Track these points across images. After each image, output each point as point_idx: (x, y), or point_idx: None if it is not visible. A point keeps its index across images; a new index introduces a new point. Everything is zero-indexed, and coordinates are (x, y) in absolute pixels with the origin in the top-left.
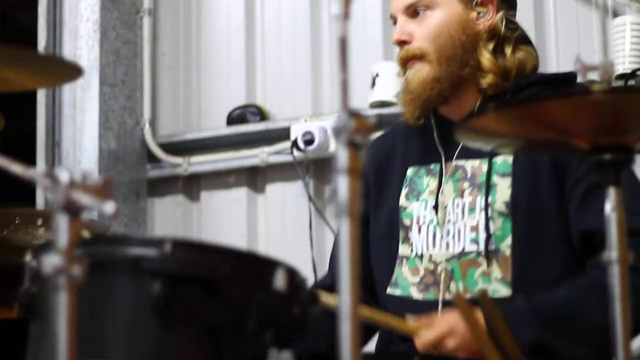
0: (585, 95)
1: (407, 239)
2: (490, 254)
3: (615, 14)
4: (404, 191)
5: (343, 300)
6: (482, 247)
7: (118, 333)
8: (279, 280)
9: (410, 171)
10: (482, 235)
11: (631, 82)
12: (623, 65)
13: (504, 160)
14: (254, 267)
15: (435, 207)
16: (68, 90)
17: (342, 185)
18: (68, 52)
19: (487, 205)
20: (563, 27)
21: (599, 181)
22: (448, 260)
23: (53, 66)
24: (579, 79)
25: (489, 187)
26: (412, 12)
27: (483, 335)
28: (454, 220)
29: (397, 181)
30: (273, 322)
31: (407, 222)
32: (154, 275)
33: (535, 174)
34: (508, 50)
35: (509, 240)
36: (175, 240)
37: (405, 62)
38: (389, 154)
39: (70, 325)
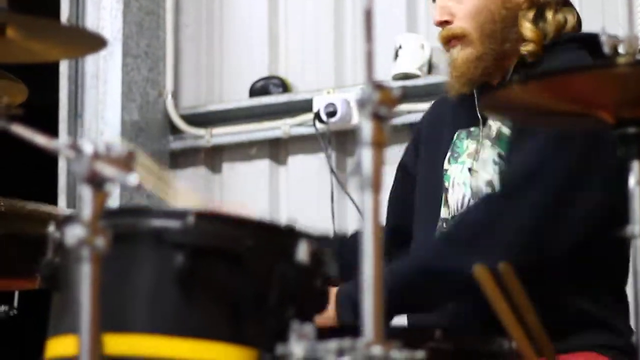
0: (609, 68)
1: (446, 202)
2: None
3: None
4: (448, 155)
5: (366, 272)
6: None
7: (140, 304)
8: (302, 253)
9: (455, 136)
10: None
11: None
12: None
13: None
14: (277, 239)
15: (470, 170)
16: (91, 62)
17: (366, 157)
18: (91, 23)
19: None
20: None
21: (623, 154)
22: None
23: (76, 37)
24: (604, 51)
25: (495, 138)
26: None
27: (503, 306)
28: (492, 179)
29: (444, 146)
30: (295, 294)
31: (446, 184)
32: (177, 247)
33: None
34: (549, 15)
35: None
36: (198, 211)
37: (448, 41)
38: (440, 120)
39: (93, 296)
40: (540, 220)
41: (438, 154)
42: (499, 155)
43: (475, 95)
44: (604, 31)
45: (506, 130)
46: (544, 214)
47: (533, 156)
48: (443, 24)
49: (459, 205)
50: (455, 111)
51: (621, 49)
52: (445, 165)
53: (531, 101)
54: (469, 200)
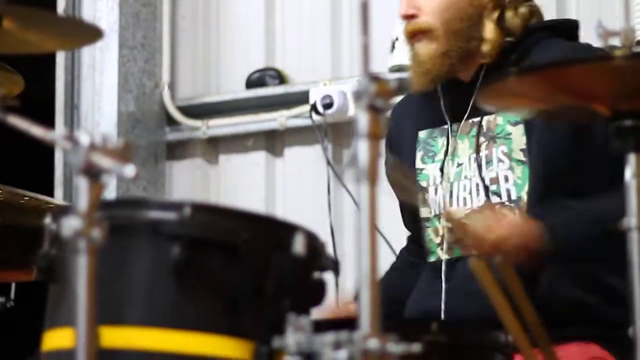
0: (606, 61)
1: (425, 201)
2: (513, 203)
3: None
4: (418, 154)
5: (362, 265)
6: (505, 197)
7: (137, 297)
8: (298, 245)
9: (423, 134)
10: (504, 186)
11: None
12: None
13: None
14: (273, 231)
15: (442, 169)
16: (87, 53)
17: (362, 149)
18: (87, 14)
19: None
20: None
21: (619, 147)
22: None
23: (73, 28)
24: (600, 45)
25: (495, 137)
26: None
27: (500, 298)
28: (470, 176)
29: (410, 145)
30: (292, 287)
31: (424, 183)
32: (173, 239)
33: None
34: (510, 13)
35: (526, 187)
36: (195, 203)
37: (413, 36)
38: (403, 119)
39: (89, 288)
40: None
41: (407, 152)
42: (505, 153)
43: (440, 93)
44: (600, 24)
45: (511, 129)
46: None
47: None
48: (409, 17)
49: (444, 203)
50: (418, 108)
51: (618, 42)
52: (419, 164)
53: (528, 93)
54: (457, 196)
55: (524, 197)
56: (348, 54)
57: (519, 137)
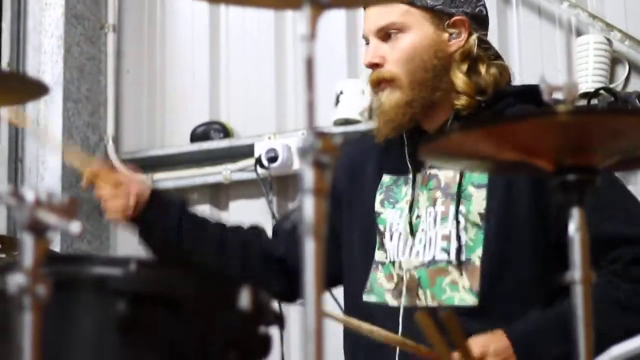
0: (550, 116)
1: (382, 245)
2: (461, 264)
3: (579, 33)
4: (378, 197)
5: (308, 319)
6: (453, 256)
7: (83, 352)
8: (244, 300)
9: (387, 179)
10: (454, 245)
11: (594, 101)
12: (586, 84)
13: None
14: (219, 286)
15: (410, 219)
16: (32, 106)
17: (308, 205)
18: (31, 67)
19: (457, 215)
20: (527, 45)
21: (563, 202)
22: (417, 267)
23: (18, 84)
24: (544, 99)
25: (459, 198)
26: (385, 34)
27: (444, 351)
28: (426, 229)
29: (371, 187)
30: (237, 341)
31: (381, 228)
32: (119, 295)
33: (511, 186)
34: (482, 69)
35: (479, 251)
36: (140, 259)
37: (378, 84)
38: (363, 159)
39: (35, 344)
40: None
41: (365, 194)
42: (461, 213)
43: (405, 141)
44: (543, 79)
45: (473, 191)
46: None
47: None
48: (374, 66)
49: (399, 251)
50: (383, 151)
51: (560, 96)
52: (378, 208)
53: (471, 149)
54: (413, 246)
55: (475, 260)
56: (293, 108)
57: (479, 200)
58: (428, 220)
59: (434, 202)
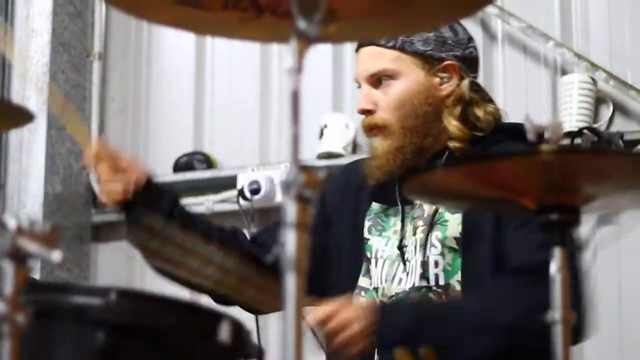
0: (533, 155)
1: (368, 272)
2: (440, 289)
3: (564, 72)
4: (367, 223)
5: (287, 352)
6: (432, 282)
7: None
8: (224, 333)
9: (376, 207)
10: (432, 271)
11: (577, 140)
12: (570, 123)
13: None
14: (199, 318)
15: (400, 248)
16: (15, 133)
17: (290, 239)
18: (16, 94)
19: (426, 242)
20: (512, 83)
21: (546, 241)
22: (398, 294)
23: (1, 110)
24: (529, 138)
25: (432, 224)
26: (376, 80)
27: None
28: (410, 258)
29: (361, 212)
30: None
31: (368, 254)
32: (98, 325)
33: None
34: (479, 111)
35: (458, 276)
36: (120, 289)
37: (369, 130)
38: (356, 183)
39: None
40: None
41: (354, 218)
42: (438, 238)
43: (397, 181)
44: (528, 118)
45: (449, 216)
46: None
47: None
48: (366, 112)
49: (382, 278)
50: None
51: (546, 136)
52: (366, 234)
53: (454, 186)
54: (395, 274)
55: (455, 284)
56: (276, 140)
57: (455, 225)
58: (410, 249)
59: (414, 231)
